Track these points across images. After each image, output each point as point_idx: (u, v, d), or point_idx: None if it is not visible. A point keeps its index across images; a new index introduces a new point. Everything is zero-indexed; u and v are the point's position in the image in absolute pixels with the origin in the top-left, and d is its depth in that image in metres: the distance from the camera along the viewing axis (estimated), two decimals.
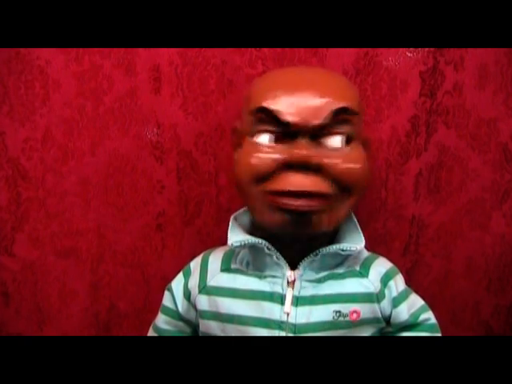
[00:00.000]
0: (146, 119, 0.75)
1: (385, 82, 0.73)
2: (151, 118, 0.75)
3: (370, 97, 0.74)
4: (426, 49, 0.72)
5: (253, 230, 0.61)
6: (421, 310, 0.62)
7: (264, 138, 0.55)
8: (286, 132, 0.54)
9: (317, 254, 0.57)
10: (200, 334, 0.63)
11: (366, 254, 0.63)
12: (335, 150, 0.55)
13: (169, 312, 0.65)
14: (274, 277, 0.58)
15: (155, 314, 0.67)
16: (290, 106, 0.53)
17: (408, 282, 0.65)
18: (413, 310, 0.62)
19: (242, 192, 0.57)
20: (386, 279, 0.61)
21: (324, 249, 0.57)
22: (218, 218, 0.78)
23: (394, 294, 0.61)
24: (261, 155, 0.55)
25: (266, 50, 0.72)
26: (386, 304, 0.60)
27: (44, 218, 0.78)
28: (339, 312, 0.57)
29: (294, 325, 0.57)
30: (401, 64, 0.73)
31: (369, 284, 0.60)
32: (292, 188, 0.53)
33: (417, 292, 0.65)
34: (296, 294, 0.57)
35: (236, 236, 0.59)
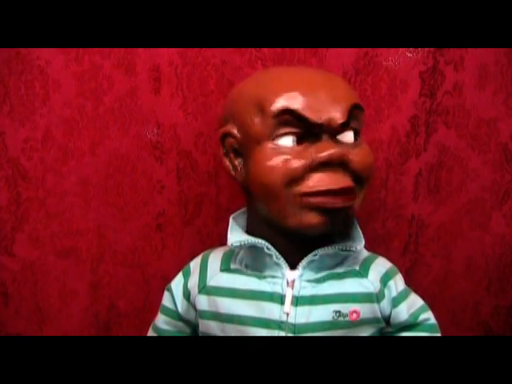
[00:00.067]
0: (145, 119, 0.75)
1: (385, 82, 0.73)
2: (151, 118, 0.75)
3: (370, 97, 0.74)
4: (426, 49, 0.72)
5: (251, 230, 0.61)
6: (420, 310, 0.62)
7: (287, 141, 0.55)
8: (309, 132, 0.54)
9: (316, 254, 0.57)
10: (200, 334, 0.63)
11: (365, 253, 0.63)
12: (351, 145, 0.56)
13: (168, 312, 0.65)
14: (273, 277, 0.58)
15: (155, 314, 0.67)
16: (313, 106, 0.53)
17: (408, 281, 0.65)
18: (412, 310, 0.62)
19: (270, 198, 0.55)
20: (385, 279, 0.61)
21: (323, 249, 0.57)
22: (217, 217, 0.78)
23: (394, 293, 0.60)
24: (291, 158, 0.54)
25: (265, 50, 0.72)
26: (385, 304, 0.60)
27: (44, 218, 0.78)
28: (339, 312, 0.57)
29: (294, 325, 0.57)
30: (401, 64, 0.73)
31: (368, 284, 0.59)
32: (328, 187, 0.53)
33: (416, 292, 0.65)
34: (296, 293, 0.57)
35: (236, 236, 0.59)
